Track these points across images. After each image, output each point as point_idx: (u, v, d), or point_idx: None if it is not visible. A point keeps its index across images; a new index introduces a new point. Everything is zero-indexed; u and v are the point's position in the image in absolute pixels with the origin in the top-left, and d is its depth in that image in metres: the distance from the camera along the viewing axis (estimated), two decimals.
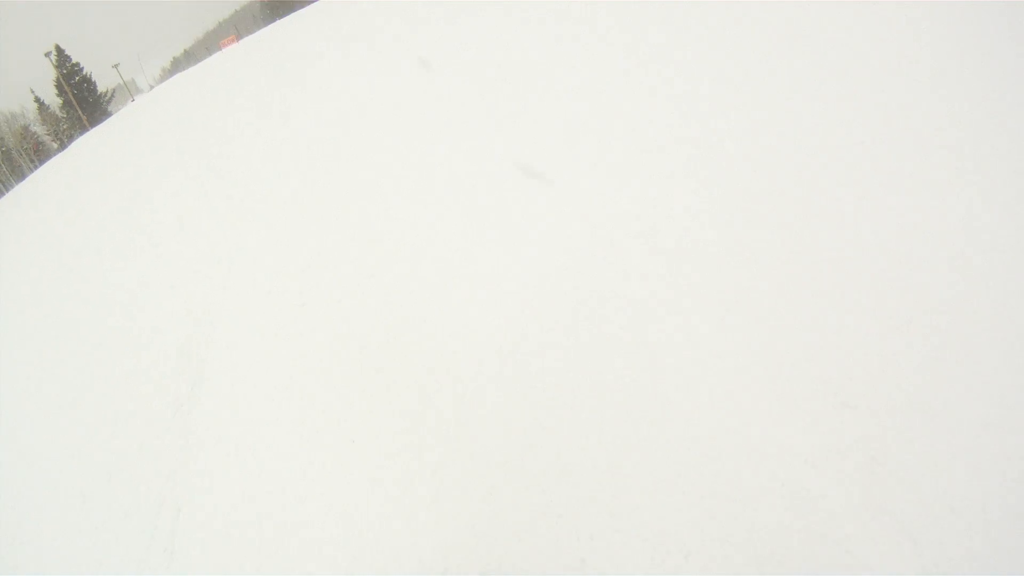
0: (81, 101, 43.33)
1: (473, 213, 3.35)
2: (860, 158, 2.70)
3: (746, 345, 1.99)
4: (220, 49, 36.59)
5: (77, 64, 43.96)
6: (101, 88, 44.91)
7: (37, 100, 43.88)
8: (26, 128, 43.71)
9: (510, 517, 1.74)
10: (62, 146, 37.87)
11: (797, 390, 1.80)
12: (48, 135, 44.16)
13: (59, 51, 42.82)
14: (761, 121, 3.22)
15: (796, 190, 2.64)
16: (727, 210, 2.66)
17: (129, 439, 2.82)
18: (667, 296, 2.31)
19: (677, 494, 1.64)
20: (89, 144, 19.32)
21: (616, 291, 2.42)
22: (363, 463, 2.11)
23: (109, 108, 44.96)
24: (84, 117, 40.34)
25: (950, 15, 3.68)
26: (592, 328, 2.28)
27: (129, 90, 47.65)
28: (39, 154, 41.30)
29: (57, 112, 44.13)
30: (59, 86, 42.73)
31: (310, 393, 2.52)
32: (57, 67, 42.25)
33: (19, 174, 37.49)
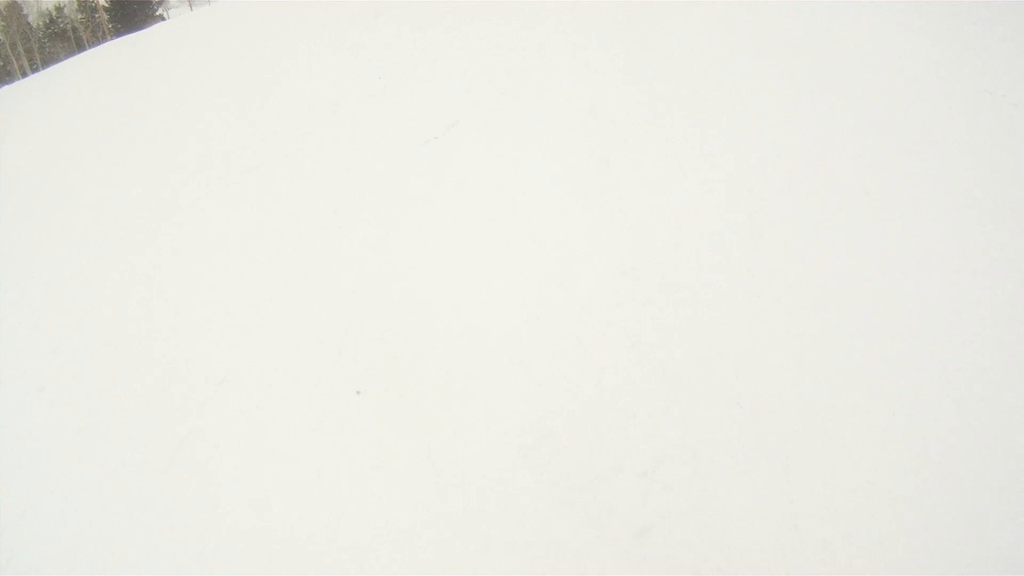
0: None
1: (477, 217, 3.23)
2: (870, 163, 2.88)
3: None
4: None
5: None
6: None
7: None
8: (59, 10, 37.82)
9: None
10: (94, 41, 31.88)
11: None
12: (83, 24, 38.30)
13: None
14: (772, 124, 3.40)
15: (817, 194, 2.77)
16: (742, 215, 2.76)
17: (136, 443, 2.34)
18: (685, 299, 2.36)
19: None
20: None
21: (633, 293, 2.45)
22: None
23: (160, 11, 38.68)
24: (106, 25, 34.09)
25: (955, 18, 3.93)
26: (601, 335, 2.28)
27: None
28: (52, 52, 35.30)
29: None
30: None
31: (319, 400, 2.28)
32: None
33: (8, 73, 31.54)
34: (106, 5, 38.14)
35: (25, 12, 37.03)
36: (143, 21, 36.41)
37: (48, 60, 31.27)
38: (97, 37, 34.63)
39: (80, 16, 38.45)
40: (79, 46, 33.54)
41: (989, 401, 1.83)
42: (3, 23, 35.05)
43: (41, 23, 37.05)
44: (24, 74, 29.91)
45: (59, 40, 36.96)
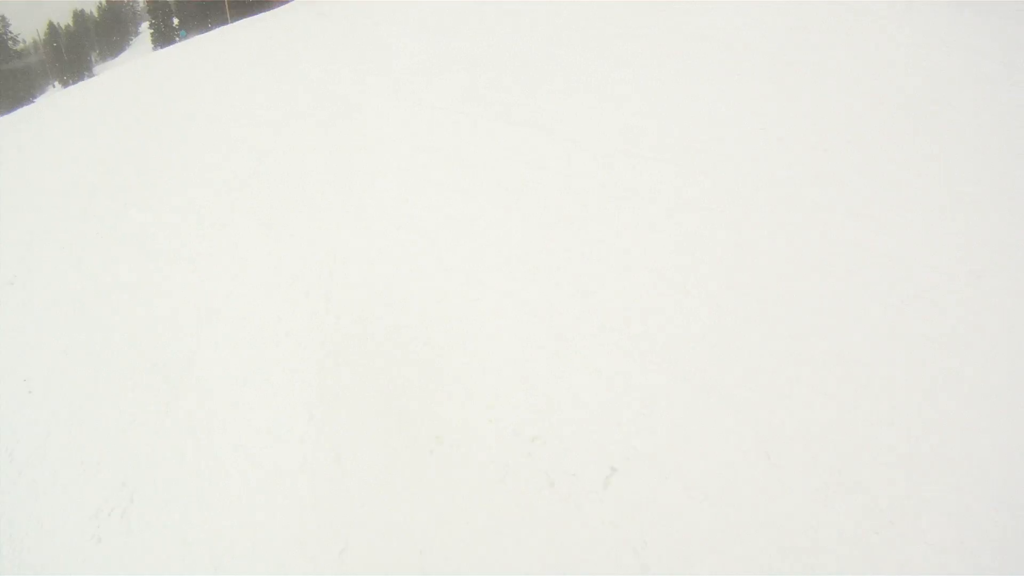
0: None
1: (467, 214, 3.46)
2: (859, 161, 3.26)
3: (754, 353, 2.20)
4: None
5: None
6: None
7: None
8: None
9: None
10: None
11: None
12: None
13: None
14: (764, 122, 3.75)
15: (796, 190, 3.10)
16: (730, 213, 2.97)
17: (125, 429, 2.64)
18: (670, 296, 2.52)
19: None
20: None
21: (620, 292, 2.60)
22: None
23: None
24: None
25: (949, 19, 4.62)
26: (592, 336, 2.39)
27: None
28: None
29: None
30: None
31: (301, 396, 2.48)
32: None
33: None
34: None
35: None
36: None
37: None
38: None
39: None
40: None
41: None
42: None
43: None
44: None
45: None
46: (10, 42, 42.99)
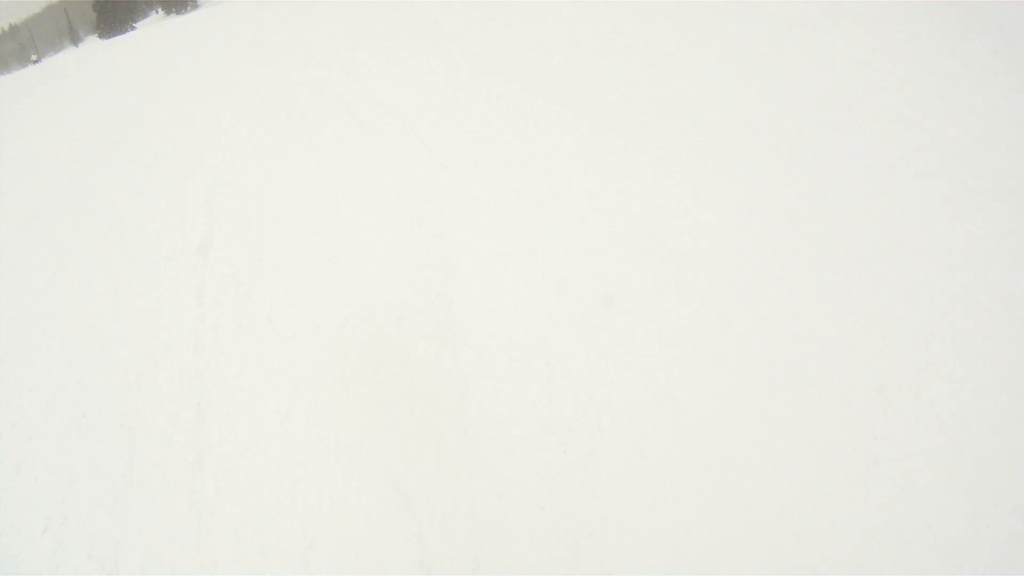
0: None
1: (474, 214, 3.51)
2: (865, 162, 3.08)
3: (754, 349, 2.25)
4: None
5: None
6: None
7: None
8: None
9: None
10: None
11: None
12: None
13: None
14: (768, 124, 3.54)
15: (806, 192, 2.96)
16: (732, 214, 2.89)
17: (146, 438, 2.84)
18: (672, 297, 2.56)
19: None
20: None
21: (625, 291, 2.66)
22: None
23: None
24: None
25: (949, 18, 4.00)
26: (596, 337, 2.47)
27: None
28: None
29: None
30: None
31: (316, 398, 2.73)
32: None
33: None
34: None
35: None
36: None
37: None
38: None
39: None
40: None
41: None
42: None
43: None
44: None
45: None
46: None
